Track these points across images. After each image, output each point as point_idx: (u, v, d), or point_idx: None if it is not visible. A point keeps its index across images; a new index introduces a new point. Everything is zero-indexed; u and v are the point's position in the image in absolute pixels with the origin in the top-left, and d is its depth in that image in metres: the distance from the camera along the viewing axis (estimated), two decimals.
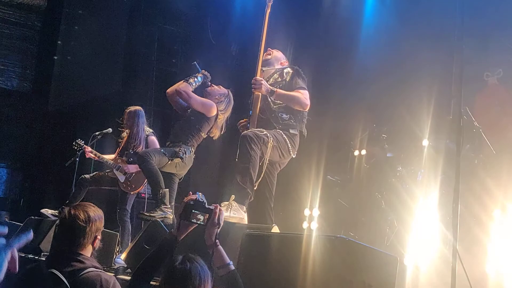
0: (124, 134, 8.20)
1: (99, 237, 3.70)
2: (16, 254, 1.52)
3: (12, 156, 13.18)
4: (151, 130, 8.27)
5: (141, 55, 11.26)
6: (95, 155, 8.24)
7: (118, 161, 8.13)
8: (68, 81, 13.62)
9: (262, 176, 5.66)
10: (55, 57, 14.05)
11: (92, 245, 3.67)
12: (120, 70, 11.72)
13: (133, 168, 7.97)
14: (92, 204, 3.80)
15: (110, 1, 11.58)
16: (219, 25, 10.86)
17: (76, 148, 8.33)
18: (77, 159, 8.65)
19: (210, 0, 11.12)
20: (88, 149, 8.27)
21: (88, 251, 3.63)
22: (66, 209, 3.79)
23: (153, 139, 8.12)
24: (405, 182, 7.75)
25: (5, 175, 13.14)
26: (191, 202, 3.18)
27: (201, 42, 10.97)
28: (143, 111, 8.13)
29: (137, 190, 8.13)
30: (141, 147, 7.96)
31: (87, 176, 8.19)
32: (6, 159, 13.09)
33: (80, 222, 3.57)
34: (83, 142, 8.33)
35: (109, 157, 8.27)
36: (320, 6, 9.82)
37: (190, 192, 3.27)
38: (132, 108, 8.12)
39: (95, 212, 3.68)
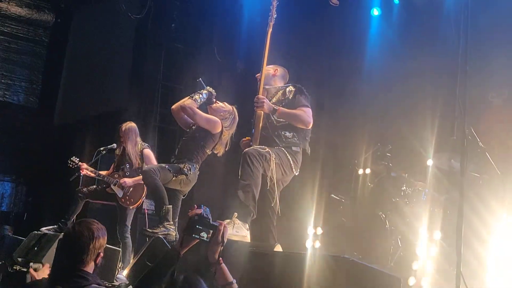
0: (117, 151, 8.25)
1: (102, 254, 3.69)
2: None
3: (17, 170, 13.20)
4: (145, 144, 8.30)
5: (147, 72, 11.31)
6: (91, 171, 8.25)
7: (115, 175, 8.14)
8: (74, 96, 13.67)
9: (277, 196, 5.67)
10: (62, 73, 14.11)
11: (95, 262, 3.66)
12: (126, 86, 11.76)
13: (130, 182, 8.00)
14: (95, 220, 3.79)
15: (117, 18, 11.63)
16: (225, 43, 10.91)
17: (71, 166, 8.33)
18: (81, 174, 8.67)
19: (216, 18, 11.17)
20: (84, 166, 8.29)
21: (90, 268, 3.63)
22: (70, 225, 3.80)
23: (148, 152, 8.15)
24: (410, 202, 7.71)
25: (10, 189, 13.16)
26: (196, 217, 3.13)
27: (206, 59, 11.01)
28: (136, 127, 8.19)
29: (136, 204, 8.12)
30: (137, 162, 8.00)
31: (84, 189, 8.21)
32: (11, 173, 13.11)
33: (83, 239, 3.57)
34: (78, 159, 8.34)
35: (105, 173, 8.30)
36: (324, 24, 9.86)
37: (195, 205, 3.22)
38: (126, 124, 8.18)
39: (99, 229, 3.68)
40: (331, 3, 9.98)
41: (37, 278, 4.73)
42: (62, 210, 8.50)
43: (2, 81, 13.78)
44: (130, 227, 8.07)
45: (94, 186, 8.33)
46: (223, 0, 10.91)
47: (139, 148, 8.16)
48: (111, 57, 12.52)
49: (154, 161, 8.03)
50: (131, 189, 8.06)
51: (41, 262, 7.03)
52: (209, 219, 3.14)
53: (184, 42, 11.49)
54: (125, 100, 11.61)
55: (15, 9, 13.78)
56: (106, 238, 3.75)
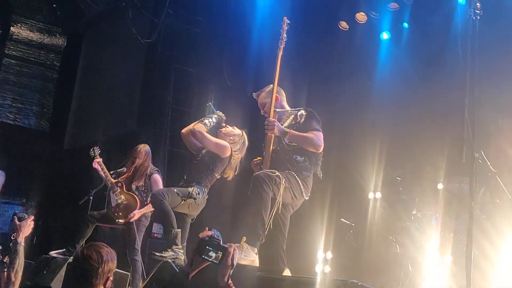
0: (123, 169, 8.24)
1: (111, 278, 3.67)
2: None
3: (26, 194, 13.22)
4: (155, 168, 8.30)
5: (157, 96, 11.35)
6: (102, 169, 8.25)
7: (119, 184, 8.13)
8: (85, 120, 13.73)
9: (272, 215, 5.62)
10: (73, 97, 14.20)
11: (104, 286, 3.63)
12: (136, 110, 11.80)
13: (128, 198, 8.01)
14: (105, 244, 3.78)
15: (127, 42, 11.72)
16: (235, 66, 10.94)
17: (91, 154, 8.38)
18: (91, 197, 8.67)
19: (226, 42, 11.22)
20: (99, 160, 8.31)
21: None
22: (79, 249, 3.79)
23: (157, 177, 8.14)
24: (420, 226, 7.67)
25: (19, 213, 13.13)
26: (206, 238, 3.12)
27: (216, 83, 11.04)
28: (150, 151, 8.25)
29: (123, 221, 8.03)
30: (141, 183, 8.00)
31: (94, 212, 8.21)
32: (21, 196, 13.13)
33: (92, 263, 3.55)
34: (99, 151, 8.38)
35: (111, 179, 8.28)
36: (334, 48, 9.89)
37: (207, 227, 3.21)
38: (143, 146, 8.20)
39: (108, 253, 3.66)
40: (341, 27, 10.05)
41: None
42: (71, 234, 8.50)
43: (13, 104, 13.86)
44: (139, 250, 8.03)
45: (105, 210, 8.32)
46: (233, 23, 10.96)
47: (149, 172, 8.17)
48: (121, 80, 12.59)
49: (160, 187, 8.01)
50: (124, 204, 8.03)
51: (50, 286, 7.03)
52: (219, 241, 3.12)
53: (194, 66, 11.54)
54: (135, 124, 11.65)
55: (26, 34, 13.91)
56: (115, 262, 3.74)
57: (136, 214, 7.94)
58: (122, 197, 8.05)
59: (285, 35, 6.16)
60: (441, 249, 6.97)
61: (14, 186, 12.38)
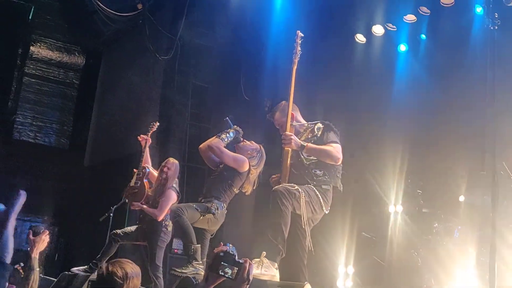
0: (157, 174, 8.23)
1: None
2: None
3: (48, 211, 13.29)
4: (175, 186, 8.29)
5: (175, 111, 11.38)
6: (144, 146, 8.28)
7: (143, 170, 8.15)
8: (104, 137, 13.81)
9: (309, 233, 5.59)
10: (92, 114, 14.30)
11: None
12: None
13: (142, 186, 8.03)
14: (129, 260, 3.77)
15: (145, 59, 11.80)
16: (252, 82, 10.96)
17: (149, 128, 8.43)
18: (111, 214, 8.69)
19: (242, 57, 11.25)
20: (147, 137, 8.33)
21: None
22: (103, 265, 3.78)
23: (171, 194, 8.08)
24: (442, 239, 7.60)
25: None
26: (221, 254, 3.09)
27: (234, 98, 11.06)
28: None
29: (130, 202, 8.05)
30: (157, 193, 7.98)
31: (118, 231, 8.19)
32: (42, 214, 13.20)
33: (117, 279, 3.54)
34: (155, 129, 8.52)
35: (147, 159, 8.29)
36: (351, 60, 9.88)
37: (221, 243, 3.18)
38: (174, 160, 8.20)
39: (133, 269, 3.65)
40: (358, 40, 10.04)
41: None
42: (92, 251, 8.51)
43: (34, 123, 13.99)
44: (161, 266, 8.00)
45: (130, 229, 8.28)
46: (249, 39, 11.00)
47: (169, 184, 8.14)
48: (139, 97, 12.65)
49: (169, 205, 7.92)
50: (136, 190, 8.04)
51: None
52: (235, 256, 3.09)
53: (211, 81, 11.58)
54: (154, 140, 11.67)
55: (46, 53, 14.07)
56: (140, 278, 3.72)
57: (137, 205, 7.94)
58: (139, 182, 8.08)
59: (299, 48, 6.13)
60: (464, 262, 6.89)
61: (35, 204, 12.44)
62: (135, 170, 8.29)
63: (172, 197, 7.94)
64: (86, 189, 13.19)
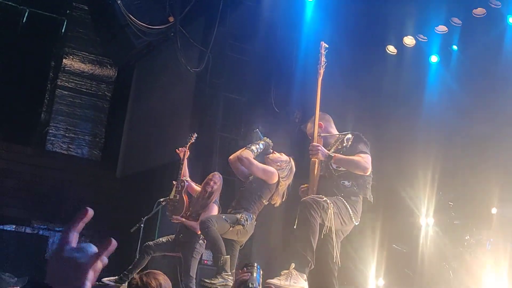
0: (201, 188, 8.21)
1: None
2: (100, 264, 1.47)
3: (103, 243, 13.39)
4: (217, 200, 8.28)
5: (206, 124, 11.43)
6: (182, 158, 8.28)
7: (182, 183, 8.15)
8: (136, 148, 13.92)
9: (336, 246, 5.56)
10: (124, 126, 14.43)
11: None
12: (185, 138, 11.89)
13: (181, 200, 8.03)
14: (161, 272, 3.81)
15: (177, 71, 11.87)
16: (282, 93, 10.98)
17: (188, 139, 8.45)
18: (142, 225, 8.73)
19: (273, 69, 11.28)
20: (185, 149, 8.34)
21: None
22: (137, 276, 3.82)
23: (214, 206, 8.09)
24: (474, 252, 7.50)
25: None
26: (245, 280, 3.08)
27: (264, 109, 11.08)
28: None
29: (170, 215, 8.07)
30: (199, 206, 7.98)
31: (151, 243, 8.21)
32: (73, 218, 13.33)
33: None
34: (193, 141, 8.42)
35: (185, 172, 8.30)
36: (382, 72, 9.84)
37: (245, 267, 3.18)
38: (220, 175, 8.20)
39: (165, 281, 3.70)
40: (389, 52, 10.01)
41: None
42: (123, 261, 8.55)
43: (66, 135, 14.15)
44: (194, 277, 8.00)
45: (162, 240, 8.30)
46: (280, 51, 11.03)
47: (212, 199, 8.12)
48: (171, 109, 12.75)
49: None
50: (175, 204, 8.06)
51: None
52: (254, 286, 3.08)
53: (242, 93, 11.61)
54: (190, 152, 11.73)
55: (78, 65, 14.26)
56: None
57: (176, 219, 7.96)
58: (178, 196, 8.11)
59: (324, 59, 6.14)
60: (496, 275, 6.79)
61: (68, 214, 12.58)
62: (174, 182, 8.32)
63: (214, 210, 7.95)
64: (118, 200, 13.29)
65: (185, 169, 8.36)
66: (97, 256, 1.40)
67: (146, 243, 8.22)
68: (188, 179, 8.34)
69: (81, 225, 1.46)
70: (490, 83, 8.33)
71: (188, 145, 8.41)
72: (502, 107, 7.78)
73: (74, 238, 1.45)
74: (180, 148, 8.39)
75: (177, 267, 8.32)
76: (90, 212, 1.45)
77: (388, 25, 9.87)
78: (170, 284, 3.78)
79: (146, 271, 3.89)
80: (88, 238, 13.60)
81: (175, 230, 8.19)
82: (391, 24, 9.83)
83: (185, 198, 8.15)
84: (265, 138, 6.92)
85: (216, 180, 8.04)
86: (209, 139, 11.35)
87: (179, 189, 8.17)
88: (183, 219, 7.94)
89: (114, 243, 1.42)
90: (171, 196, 8.18)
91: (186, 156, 8.34)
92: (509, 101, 7.44)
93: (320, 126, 6.02)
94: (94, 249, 1.42)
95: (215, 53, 11.32)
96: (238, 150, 6.95)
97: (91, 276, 1.39)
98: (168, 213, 8.22)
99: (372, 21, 9.89)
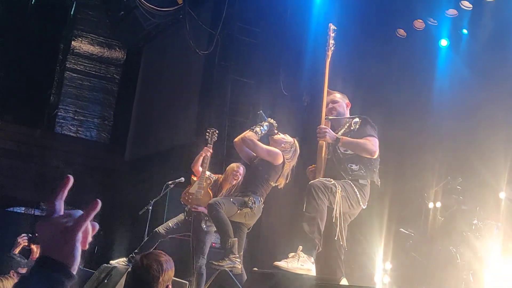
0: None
1: (170, 286, 3.71)
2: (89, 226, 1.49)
3: (88, 205, 13.47)
4: None
5: (215, 106, 11.43)
6: (205, 158, 8.11)
7: (208, 181, 8.03)
8: (145, 131, 13.94)
9: (338, 229, 5.55)
10: (133, 108, 14.45)
11: None
12: (194, 121, 11.91)
13: (205, 194, 7.97)
14: (163, 252, 3.81)
15: (185, 54, 11.86)
16: (291, 76, 10.95)
17: (206, 136, 8.27)
18: (150, 207, 8.75)
19: (282, 51, 11.24)
20: (209, 150, 8.13)
21: None
22: (138, 258, 3.82)
23: None
24: (481, 236, 7.49)
25: None
26: None
27: (273, 93, 11.06)
28: None
29: (195, 208, 8.00)
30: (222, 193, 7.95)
31: (161, 230, 8.17)
32: (83, 207, 13.39)
33: (153, 272, 3.59)
34: (215, 139, 8.27)
35: (204, 173, 8.16)
36: (392, 55, 9.80)
37: None
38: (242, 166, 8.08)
39: (167, 261, 3.70)
40: (398, 35, 9.95)
41: None
42: (131, 243, 8.60)
43: (75, 117, 14.20)
44: (206, 260, 7.99)
45: (170, 224, 8.28)
46: (289, 34, 10.99)
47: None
48: (179, 92, 12.75)
49: None
50: (199, 197, 7.99)
51: None
52: None
53: (250, 76, 11.59)
54: (193, 135, 11.75)
55: (87, 48, 14.27)
56: (174, 270, 3.77)
57: (201, 209, 7.93)
58: (202, 191, 8.08)
59: (332, 41, 6.12)
60: (504, 259, 6.79)
61: (76, 197, 12.61)
62: (195, 178, 8.21)
63: None
64: (126, 183, 13.34)
65: (206, 164, 8.25)
66: (84, 218, 1.43)
67: (156, 229, 8.23)
68: (212, 175, 8.26)
69: (65, 193, 1.48)
70: (499, 67, 8.27)
71: (212, 144, 8.20)
72: (510, 92, 7.74)
73: (60, 207, 1.48)
74: (205, 148, 8.17)
75: (182, 248, 8.36)
76: (71, 179, 1.47)
77: (398, 8, 9.81)
78: (173, 264, 3.78)
79: (147, 253, 3.90)
80: (96, 220, 13.69)
81: (183, 210, 8.19)
82: (401, 7, 9.77)
83: (210, 192, 8.09)
84: (269, 119, 6.90)
85: (241, 171, 7.96)
86: (218, 121, 11.34)
87: (203, 185, 8.11)
88: (201, 209, 7.92)
89: (99, 204, 1.44)
90: (192, 191, 8.11)
91: (210, 154, 8.18)
92: None
93: (348, 105, 6.06)
94: (81, 213, 1.44)
95: (224, 35, 11.30)
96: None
97: (80, 238, 1.41)
98: (186, 204, 8.14)
99: (382, 4, 9.84)
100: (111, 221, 13.37)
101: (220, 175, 8.19)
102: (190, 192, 8.07)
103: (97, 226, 1.49)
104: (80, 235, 1.42)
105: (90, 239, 1.47)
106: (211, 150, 8.01)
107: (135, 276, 3.74)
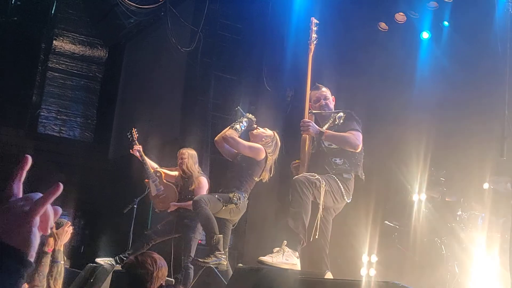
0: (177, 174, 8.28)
1: (163, 283, 3.74)
2: (49, 211, 1.40)
3: (73, 204, 13.42)
4: (202, 173, 8.32)
5: (198, 103, 11.41)
6: (141, 156, 8.31)
7: (157, 174, 8.20)
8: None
9: (318, 224, 5.57)
10: (116, 107, 14.39)
11: None
12: (178, 118, 11.88)
13: (167, 188, 8.06)
14: (154, 252, 3.87)
15: (167, 51, 11.82)
16: (274, 72, 10.94)
17: (129, 137, 8.46)
18: (135, 206, 8.75)
19: (264, 47, 11.24)
20: (138, 146, 8.36)
21: None
22: (132, 257, 3.86)
23: (202, 180, 8.13)
24: (466, 227, 7.54)
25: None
26: None
27: (256, 88, 11.06)
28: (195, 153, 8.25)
29: (164, 209, 8.11)
30: (193, 186, 8.01)
31: (150, 232, 8.19)
32: (68, 207, 13.33)
33: (148, 267, 3.65)
34: (137, 135, 8.45)
35: (152, 165, 8.34)
36: (373, 49, 9.81)
37: None
38: (188, 148, 8.25)
39: (160, 259, 3.77)
40: (380, 28, 9.97)
41: None
42: (117, 242, 8.58)
43: (58, 117, 14.11)
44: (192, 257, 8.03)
45: (159, 227, 8.28)
46: (271, 29, 10.98)
47: (195, 175, 8.19)
48: (162, 89, 12.71)
49: (204, 190, 8.02)
50: (163, 195, 8.10)
51: None
52: None
53: (233, 72, 11.58)
54: (177, 132, 11.73)
55: (69, 47, 14.17)
56: (167, 269, 3.83)
57: (173, 205, 7.98)
58: (162, 187, 8.14)
59: (315, 35, 6.13)
60: (488, 250, 6.83)
61: (61, 197, 12.54)
62: (146, 180, 8.32)
63: (204, 182, 8.03)
64: (111, 182, 13.29)
65: (150, 162, 8.38)
66: (42, 201, 1.33)
67: (145, 232, 8.24)
68: (159, 168, 8.37)
69: (23, 175, 1.40)
70: (480, 59, 8.30)
71: (136, 141, 8.39)
72: (492, 81, 7.76)
73: (18, 190, 1.38)
74: (133, 149, 8.37)
75: (170, 246, 8.36)
76: (29, 159, 1.40)
77: (379, 1, 9.84)
78: (165, 262, 3.83)
79: (142, 252, 3.95)
80: (82, 219, 13.64)
81: (167, 213, 8.21)
82: (382, 0, 9.79)
83: (170, 184, 8.17)
84: (248, 114, 6.92)
85: (183, 155, 8.09)
86: (201, 118, 11.33)
87: (157, 181, 8.18)
88: (180, 204, 7.97)
89: (60, 187, 1.36)
90: (154, 193, 8.19)
91: (142, 152, 8.35)
92: (497, 76, 7.41)
93: (334, 100, 6.08)
94: (40, 195, 1.35)
95: (206, 32, 11.28)
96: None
97: (37, 222, 1.33)
98: (158, 210, 8.22)
99: None
100: (96, 220, 13.33)
101: (170, 168, 8.32)
102: (154, 197, 8.12)
103: (60, 210, 1.41)
104: (37, 219, 1.32)
105: (51, 224, 1.40)
106: (139, 147, 8.17)
107: (130, 273, 3.77)
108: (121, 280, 4.13)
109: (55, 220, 1.42)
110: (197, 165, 8.21)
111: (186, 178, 8.09)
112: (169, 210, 8.06)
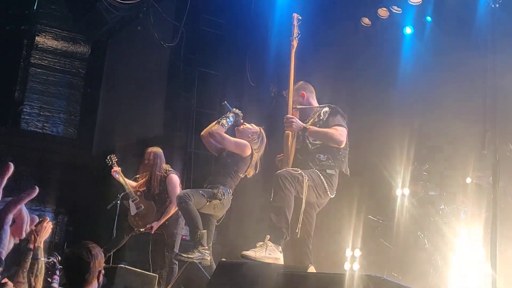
0: (137, 176, 8.32)
1: (103, 271, 3.84)
2: (25, 216, 1.41)
3: (57, 201, 13.35)
4: (172, 170, 8.33)
5: (181, 99, 11.40)
6: (120, 177, 8.32)
7: (138, 193, 8.21)
8: (112, 126, 13.82)
9: (301, 219, 5.59)
10: (99, 103, 14.32)
11: (98, 279, 3.81)
12: (161, 114, 11.86)
13: (147, 206, 8.07)
14: (90, 242, 3.91)
15: (150, 47, 11.78)
16: (258, 67, 10.94)
17: (108, 162, 8.47)
18: (118, 202, 8.72)
19: (248, 43, 11.23)
20: (116, 169, 8.37)
21: (94, 287, 3.78)
22: (68, 250, 3.92)
23: (173, 177, 8.15)
24: (449, 221, 7.59)
25: (50, 219, 13.19)
26: None
27: (240, 84, 11.06)
28: (162, 152, 8.24)
29: (142, 230, 8.14)
30: (157, 188, 8.04)
31: (129, 224, 8.25)
32: (51, 203, 13.25)
33: (85, 259, 3.73)
34: (116, 159, 8.45)
35: (130, 184, 8.36)
36: (357, 44, 9.83)
37: None
38: (152, 149, 8.26)
39: (95, 248, 3.83)
40: (363, 24, 9.99)
41: None
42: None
43: (41, 113, 14.01)
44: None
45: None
46: (254, 25, 10.97)
47: (163, 174, 8.20)
48: (146, 85, 12.67)
49: (177, 188, 8.03)
50: (143, 212, 8.12)
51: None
52: None
53: (217, 68, 11.58)
54: (161, 128, 11.71)
55: (51, 43, 14.06)
56: (104, 257, 3.93)
57: (155, 226, 8.01)
58: (142, 205, 8.15)
59: (297, 31, 6.14)
60: (471, 243, 6.87)
61: (44, 194, 12.50)
62: (124, 201, 8.35)
63: (174, 179, 8.06)
64: (94, 178, 13.23)
65: (130, 182, 8.40)
66: (15, 201, 1.35)
67: (124, 223, 8.26)
68: (132, 182, 8.41)
69: (3, 181, 1.41)
70: (462, 53, 8.34)
71: (115, 165, 8.42)
72: (475, 76, 7.81)
73: None
74: (112, 172, 8.39)
75: (154, 242, 8.37)
76: (11, 167, 1.40)
77: None
78: (102, 251, 3.94)
79: (78, 244, 3.98)
80: (65, 216, 13.57)
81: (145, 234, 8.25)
82: None
83: (149, 203, 8.18)
84: (234, 109, 6.91)
85: (147, 156, 8.15)
86: (185, 114, 11.32)
87: (137, 200, 8.19)
88: (159, 222, 8.01)
89: (36, 190, 1.37)
90: (133, 213, 8.20)
91: (121, 173, 8.37)
92: (478, 70, 7.45)
93: (302, 95, 6.06)
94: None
95: (189, 27, 11.24)
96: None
97: (9, 220, 1.33)
98: (137, 229, 8.23)
99: None
100: (80, 216, 13.27)
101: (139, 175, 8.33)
102: (133, 216, 8.12)
103: (36, 219, 1.42)
104: (10, 218, 1.34)
105: (27, 228, 1.41)
106: (118, 168, 8.14)
107: (68, 265, 3.88)
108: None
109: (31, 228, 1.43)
110: (164, 164, 8.25)
111: (155, 181, 8.13)
112: (152, 232, 8.08)
